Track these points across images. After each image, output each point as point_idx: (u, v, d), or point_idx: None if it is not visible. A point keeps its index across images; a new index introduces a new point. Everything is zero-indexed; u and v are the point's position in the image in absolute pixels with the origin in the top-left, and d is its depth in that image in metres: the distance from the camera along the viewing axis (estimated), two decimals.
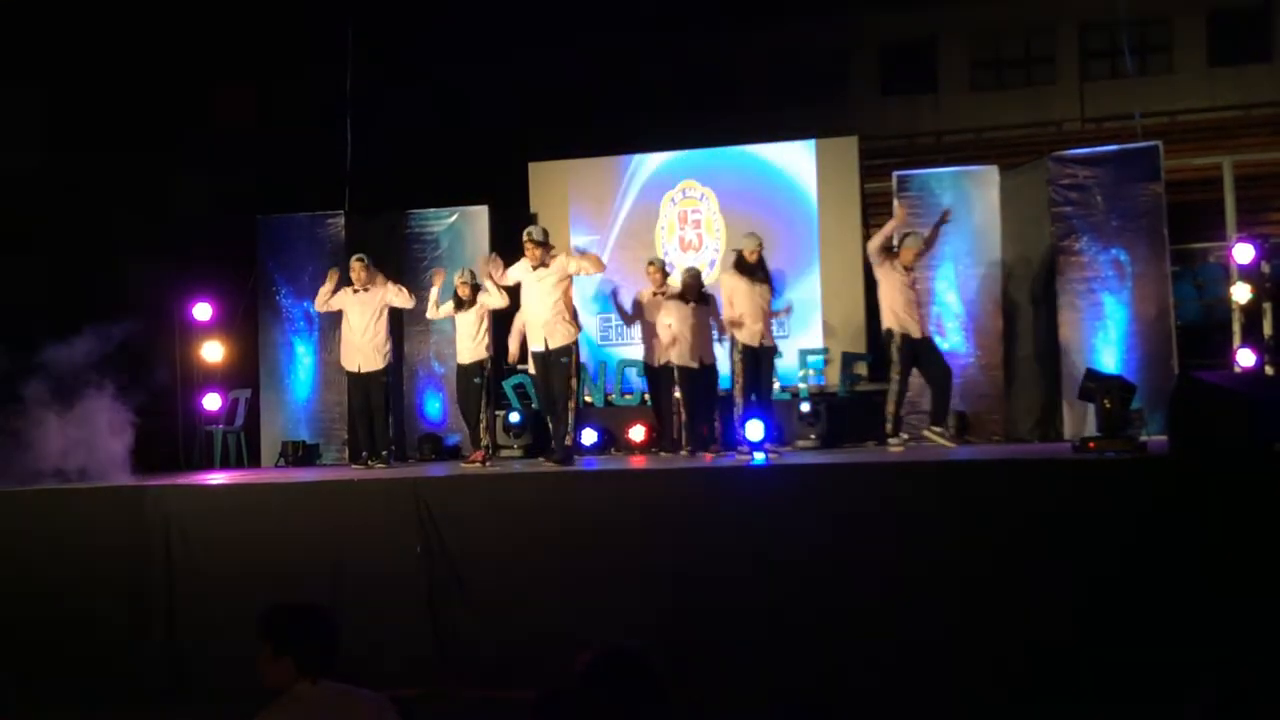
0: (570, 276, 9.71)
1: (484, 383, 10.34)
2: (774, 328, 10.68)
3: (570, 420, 9.67)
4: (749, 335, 10.15)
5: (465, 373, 10.48)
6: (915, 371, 10.26)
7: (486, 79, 22.63)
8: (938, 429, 10.02)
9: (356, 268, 10.49)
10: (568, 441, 9.64)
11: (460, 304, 10.44)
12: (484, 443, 10.32)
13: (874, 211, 14.25)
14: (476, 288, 10.36)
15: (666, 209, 13.17)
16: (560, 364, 9.58)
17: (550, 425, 9.86)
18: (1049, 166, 11.10)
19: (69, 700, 7.99)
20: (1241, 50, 21.19)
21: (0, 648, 8.38)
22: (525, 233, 9.70)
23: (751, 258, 10.27)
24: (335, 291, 10.58)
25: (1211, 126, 19.47)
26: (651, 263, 11.37)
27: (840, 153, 13.12)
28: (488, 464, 10.07)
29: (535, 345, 9.72)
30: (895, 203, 11.41)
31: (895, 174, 12.17)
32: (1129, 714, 6.44)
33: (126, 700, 8.14)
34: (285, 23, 17.59)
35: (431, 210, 12.90)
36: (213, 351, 12.49)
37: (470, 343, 10.42)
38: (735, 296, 10.20)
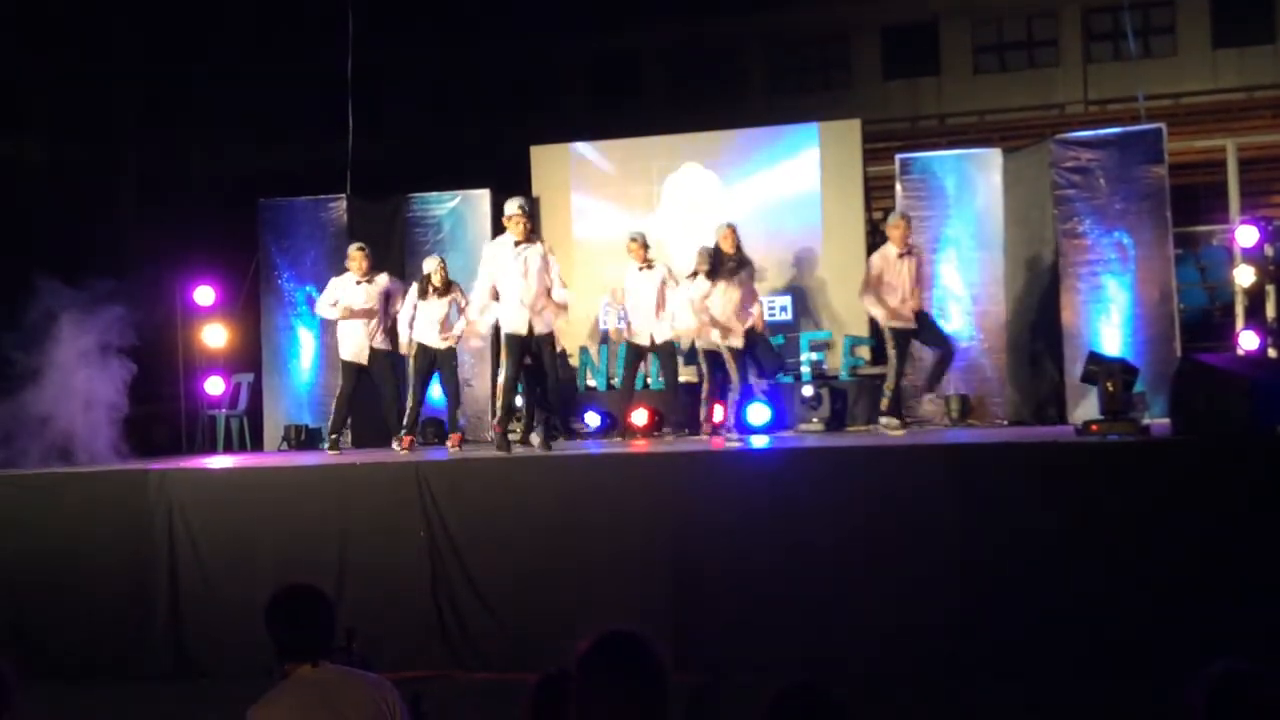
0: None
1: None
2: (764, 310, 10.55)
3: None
4: (720, 335, 9.89)
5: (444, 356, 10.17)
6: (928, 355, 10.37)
7: (489, 62, 22.60)
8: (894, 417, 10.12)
9: (358, 257, 10.17)
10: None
11: (425, 293, 9.96)
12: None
13: (877, 195, 14.22)
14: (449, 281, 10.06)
15: (669, 192, 13.13)
16: (549, 350, 9.31)
17: (527, 408, 9.74)
18: (1052, 149, 11.06)
19: (72, 680, 8.02)
20: (1245, 32, 21.13)
21: (3, 628, 8.41)
22: (518, 206, 9.15)
23: (726, 246, 9.78)
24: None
25: (1215, 109, 19.42)
26: (634, 238, 10.80)
27: (843, 136, 13.08)
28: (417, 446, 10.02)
29: (517, 329, 9.14)
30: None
31: (898, 157, 12.13)
32: (1132, 692, 6.46)
33: (129, 681, 8.19)
34: (286, 4, 17.56)
35: (434, 194, 12.83)
36: (215, 335, 12.47)
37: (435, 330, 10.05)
38: (711, 297, 9.82)
